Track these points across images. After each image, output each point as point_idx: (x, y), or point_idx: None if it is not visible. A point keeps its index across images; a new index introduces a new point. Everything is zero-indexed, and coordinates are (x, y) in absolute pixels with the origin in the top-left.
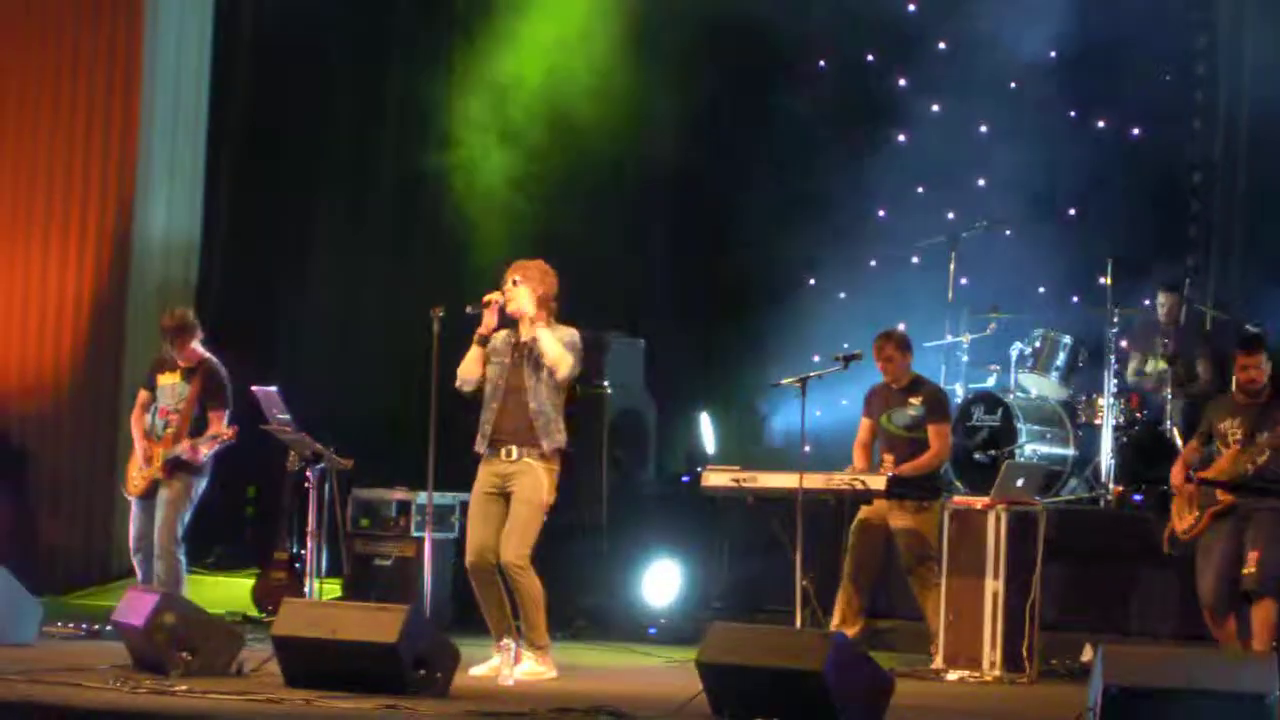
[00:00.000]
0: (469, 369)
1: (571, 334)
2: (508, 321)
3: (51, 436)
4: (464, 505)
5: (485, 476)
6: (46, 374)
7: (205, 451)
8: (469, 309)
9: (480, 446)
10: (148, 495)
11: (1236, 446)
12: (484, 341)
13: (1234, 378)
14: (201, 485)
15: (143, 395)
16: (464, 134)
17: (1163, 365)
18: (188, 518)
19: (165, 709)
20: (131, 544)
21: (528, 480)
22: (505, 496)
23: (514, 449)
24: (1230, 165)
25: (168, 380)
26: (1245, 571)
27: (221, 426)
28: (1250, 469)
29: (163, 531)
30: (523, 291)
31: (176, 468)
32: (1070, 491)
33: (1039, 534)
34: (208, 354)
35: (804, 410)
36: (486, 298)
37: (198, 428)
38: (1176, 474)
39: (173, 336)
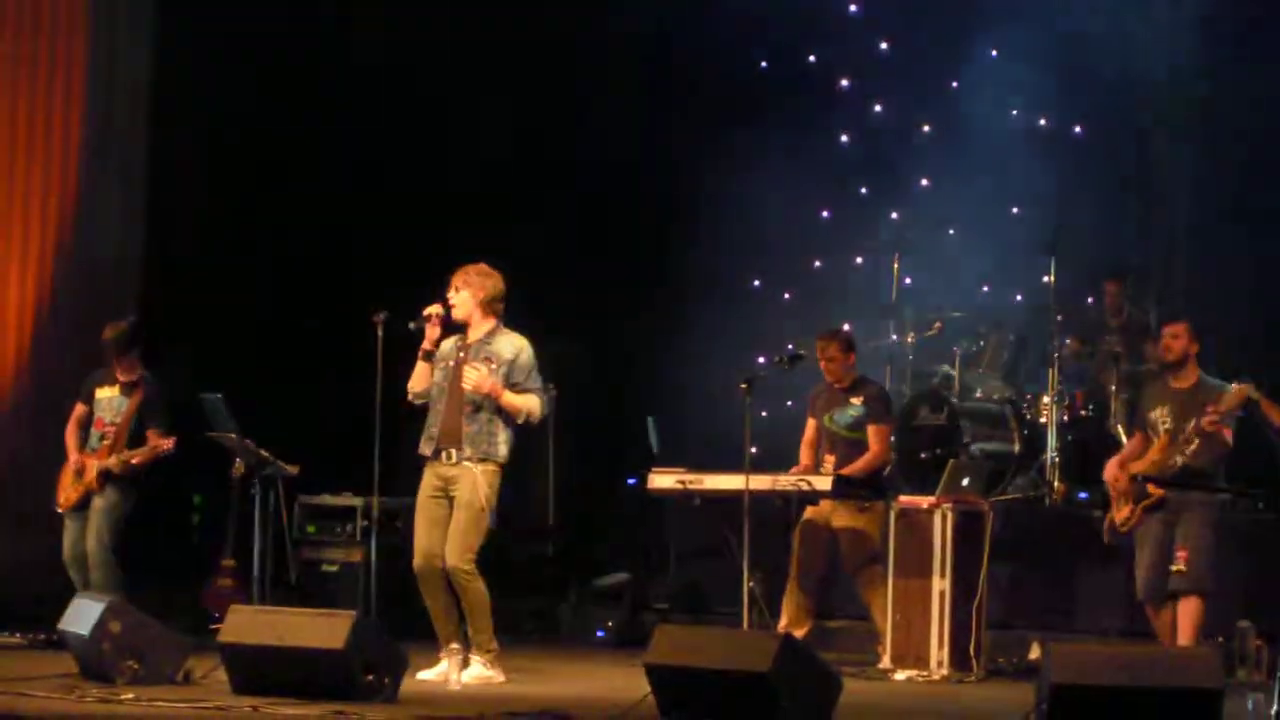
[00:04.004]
0: (417, 383)
1: (522, 349)
2: (457, 327)
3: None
4: (410, 510)
5: (429, 480)
6: None
7: (139, 462)
8: (411, 325)
9: (425, 449)
10: (79, 507)
11: (1166, 437)
12: (429, 356)
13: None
14: (133, 498)
15: (79, 409)
16: (403, 138)
17: (1115, 349)
18: (120, 528)
19: (112, 717)
20: (66, 557)
21: (467, 484)
22: (449, 500)
23: (454, 452)
24: (1175, 161)
25: (106, 394)
26: (1174, 569)
27: (159, 440)
28: (1179, 461)
29: (95, 540)
30: (465, 296)
31: (109, 479)
32: (1016, 490)
33: (985, 533)
34: (146, 370)
35: (748, 411)
36: (426, 311)
37: (134, 443)
38: (1110, 467)
39: (114, 349)
